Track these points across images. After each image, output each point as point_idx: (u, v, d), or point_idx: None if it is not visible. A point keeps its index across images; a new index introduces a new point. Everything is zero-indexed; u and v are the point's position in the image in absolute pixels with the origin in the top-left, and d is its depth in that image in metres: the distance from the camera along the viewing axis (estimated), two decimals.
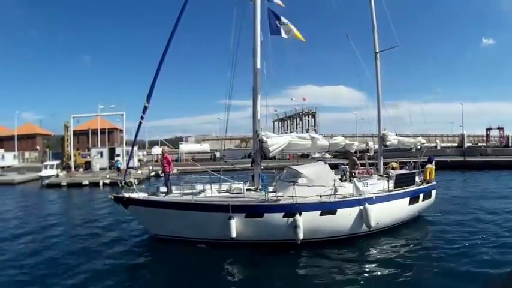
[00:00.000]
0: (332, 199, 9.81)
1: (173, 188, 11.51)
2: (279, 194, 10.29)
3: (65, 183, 26.73)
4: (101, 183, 26.96)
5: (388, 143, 12.94)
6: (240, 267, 8.73)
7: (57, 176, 30.19)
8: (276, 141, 10.98)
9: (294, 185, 10.27)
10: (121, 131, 49.35)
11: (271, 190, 10.99)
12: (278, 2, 11.16)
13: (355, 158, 12.26)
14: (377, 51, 12.68)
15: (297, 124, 68.69)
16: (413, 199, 11.27)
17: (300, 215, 9.30)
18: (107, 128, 50.14)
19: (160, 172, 31.32)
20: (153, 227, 10.88)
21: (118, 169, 31.71)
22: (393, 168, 13.66)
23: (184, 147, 54.67)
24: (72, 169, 34.54)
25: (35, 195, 24.29)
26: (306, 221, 9.33)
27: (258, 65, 11.46)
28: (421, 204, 11.74)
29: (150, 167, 36.35)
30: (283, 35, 11.02)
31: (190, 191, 11.43)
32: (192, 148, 49.80)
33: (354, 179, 10.65)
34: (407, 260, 8.55)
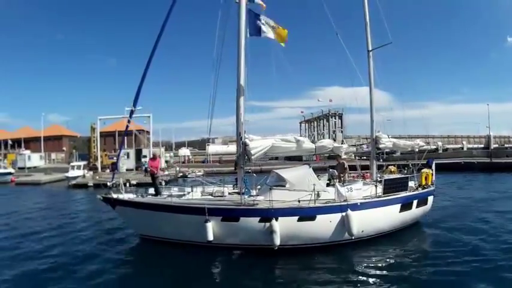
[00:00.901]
0: (311, 204, 9.38)
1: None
2: (260, 198, 10.05)
3: (91, 184, 27.26)
4: (127, 184, 26.79)
5: (381, 145, 12.24)
6: (214, 271, 8.66)
7: (83, 176, 30.98)
8: (258, 144, 10.70)
9: (271, 189, 10.01)
10: (148, 132, 50.30)
11: (255, 194, 10.77)
12: (259, 2, 10.87)
13: (344, 161, 11.69)
14: (370, 49, 12.05)
15: (323, 125, 68.12)
16: (405, 206, 10.54)
17: (276, 220, 9.01)
18: (134, 130, 51.41)
19: (187, 173, 31.71)
20: (137, 227, 11.09)
21: (146, 170, 32.07)
22: (391, 172, 12.98)
23: (211, 148, 55.64)
24: (99, 170, 35.52)
25: (60, 194, 25.09)
26: (283, 227, 9.03)
27: (242, 67, 11.26)
28: (415, 211, 10.97)
29: (177, 168, 36.30)
30: (263, 35, 10.73)
31: (178, 193, 11.62)
32: (219, 149, 50.60)
33: (337, 183, 10.13)
34: (390, 273, 7.95)
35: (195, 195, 11.21)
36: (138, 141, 53.78)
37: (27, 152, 48.37)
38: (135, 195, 11.27)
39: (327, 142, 11.49)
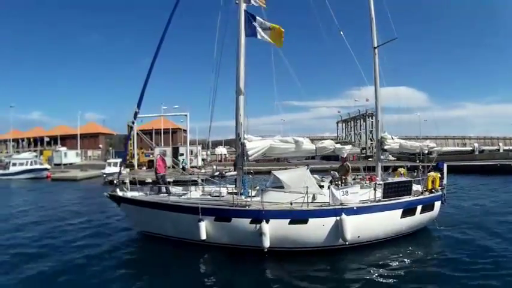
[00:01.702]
0: (304, 207, 9.17)
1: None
2: (257, 199, 10.04)
3: (127, 181, 27.58)
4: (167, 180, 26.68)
5: (386, 147, 11.63)
6: (204, 270, 8.84)
7: (120, 173, 31.67)
8: (255, 145, 10.67)
9: (266, 190, 10.00)
10: (184, 131, 50.72)
11: (253, 195, 10.75)
12: (259, 2, 10.80)
13: (347, 163, 11.29)
14: (375, 45, 11.49)
15: (360, 125, 67.55)
16: (408, 211, 9.95)
17: (267, 222, 8.93)
18: (171, 128, 51.60)
19: (224, 172, 31.46)
20: (139, 224, 11.51)
21: (183, 168, 31.65)
22: (401, 175, 12.37)
23: None
24: (136, 167, 36.39)
25: (95, 190, 25.55)
26: (273, 229, 8.94)
27: (242, 68, 11.25)
28: (419, 217, 10.32)
29: (214, 167, 36.38)
30: (259, 36, 10.62)
31: (180, 192, 11.95)
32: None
33: (331, 186, 9.82)
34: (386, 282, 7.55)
35: (195, 194, 11.41)
36: (175, 139, 54.57)
37: (64, 148, 50.74)
38: (140, 193, 11.70)
39: (327, 143, 11.15)
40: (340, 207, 9.15)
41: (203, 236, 9.36)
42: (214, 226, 9.47)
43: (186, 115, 40.77)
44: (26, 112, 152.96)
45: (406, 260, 8.89)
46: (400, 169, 12.47)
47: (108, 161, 35.50)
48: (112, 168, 31.79)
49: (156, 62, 11.74)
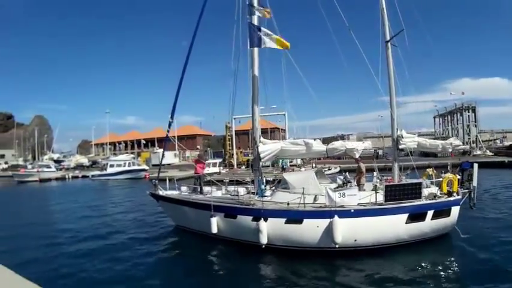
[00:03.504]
0: (301, 208, 9.56)
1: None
2: (267, 198, 10.89)
3: (227, 180, 29.49)
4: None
5: (402, 146, 10.72)
6: (212, 259, 10.06)
7: (219, 173, 32.77)
8: (267, 148, 11.51)
9: (273, 190, 10.67)
10: (283, 130, 51.57)
11: (268, 195, 11.57)
12: (264, 12, 11.47)
13: (361, 164, 10.98)
14: (387, 39, 10.70)
15: (457, 119, 64.25)
16: (415, 216, 9.19)
17: (265, 220, 9.69)
18: (269, 128, 51.83)
19: (323, 170, 30.31)
20: (173, 218, 13.50)
21: (283, 168, 32.19)
22: (429, 176, 11.32)
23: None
24: (235, 166, 38.08)
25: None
26: (271, 227, 9.67)
27: (256, 77, 12.16)
28: (430, 223, 9.36)
29: (313, 165, 34.10)
30: (263, 46, 11.17)
31: (210, 190, 13.60)
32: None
33: (327, 188, 9.84)
34: None
35: (218, 193, 12.89)
36: (273, 138, 56.82)
37: (160, 150, 53.27)
38: (177, 192, 13.76)
39: (338, 144, 11.08)
40: (334, 209, 9.20)
41: (214, 230, 10.67)
42: (223, 222, 10.70)
43: (284, 114, 39.37)
44: (121, 117, 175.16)
45: (403, 270, 8.21)
46: (428, 170, 11.32)
47: (207, 161, 35.90)
48: (211, 168, 33.16)
49: (185, 74, 13.42)
